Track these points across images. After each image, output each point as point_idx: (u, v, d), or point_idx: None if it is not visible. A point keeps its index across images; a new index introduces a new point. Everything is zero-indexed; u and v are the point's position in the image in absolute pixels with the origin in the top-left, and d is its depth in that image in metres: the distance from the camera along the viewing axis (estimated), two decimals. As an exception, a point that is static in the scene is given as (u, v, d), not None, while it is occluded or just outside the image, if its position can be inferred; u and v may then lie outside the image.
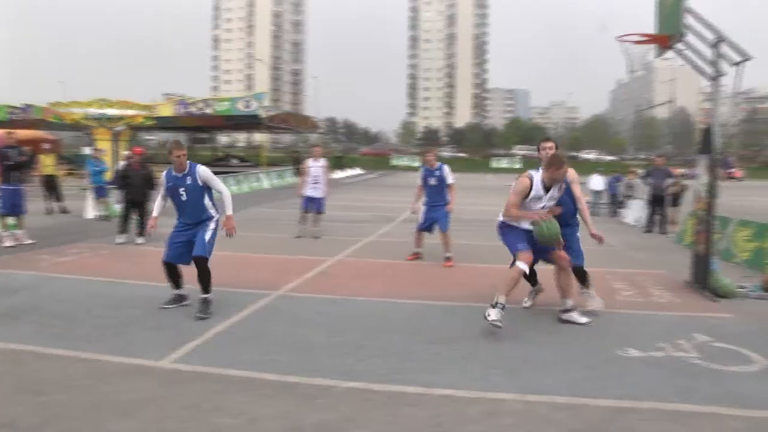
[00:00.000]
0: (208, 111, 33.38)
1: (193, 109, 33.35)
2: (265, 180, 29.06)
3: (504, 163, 61.59)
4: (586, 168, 45.12)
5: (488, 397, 4.21)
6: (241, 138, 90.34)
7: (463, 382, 4.48)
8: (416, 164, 59.92)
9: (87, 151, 22.44)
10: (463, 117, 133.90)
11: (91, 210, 15.24)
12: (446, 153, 77.18)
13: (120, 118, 21.14)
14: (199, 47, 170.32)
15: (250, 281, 7.85)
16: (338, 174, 42.44)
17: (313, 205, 12.26)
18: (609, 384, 4.51)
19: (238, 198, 22.29)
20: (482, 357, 5.07)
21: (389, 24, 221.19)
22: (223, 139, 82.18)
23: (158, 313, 6.18)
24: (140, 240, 11.07)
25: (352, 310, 6.51)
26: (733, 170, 47.92)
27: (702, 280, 7.71)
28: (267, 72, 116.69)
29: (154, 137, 72.11)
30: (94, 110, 21.85)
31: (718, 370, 4.83)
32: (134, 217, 11.48)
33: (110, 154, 18.40)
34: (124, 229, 11.22)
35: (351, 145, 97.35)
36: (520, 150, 76.29)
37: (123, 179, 11.56)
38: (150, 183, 11.57)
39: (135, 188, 11.43)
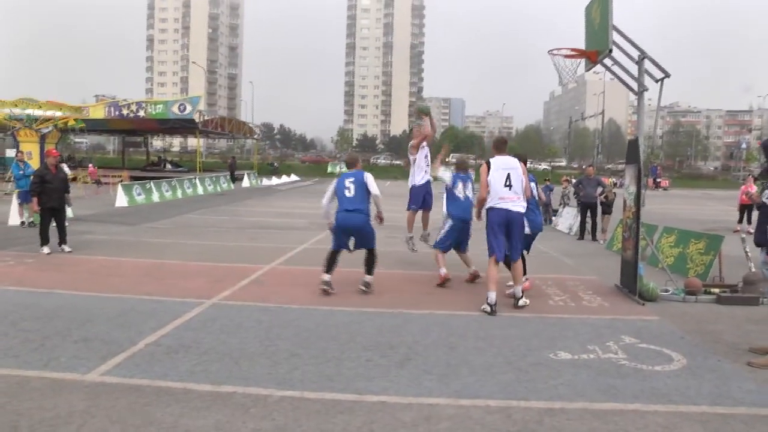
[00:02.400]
0: (142, 114, 32.59)
1: (125, 112, 32.48)
2: (199, 186, 28.49)
3: (440, 172, 62.48)
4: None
5: (422, 403, 4.25)
6: (176, 142, 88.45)
7: (397, 388, 4.51)
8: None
9: (11, 153, 21.46)
10: (399, 125, 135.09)
11: (16, 216, 14.56)
12: (382, 161, 77.70)
13: (47, 120, 20.29)
14: (132, 47, 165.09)
15: (182, 290, 7.68)
16: (274, 181, 42.07)
17: None
18: (540, 386, 4.63)
19: (171, 204, 21.80)
20: (416, 363, 5.11)
21: (327, 31, 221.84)
22: (157, 143, 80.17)
23: (86, 325, 5.95)
24: (67, 248, 10.56)
25: (287, 319, 6.45)
26: (660, 179, 50.12)
27: (630, 285, 8.04)
28: (203, 75, 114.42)
29: (84, 140, 69.71)
30: (18, 110, 20.89)
31: (643, 370, 5.05)
32: (55, 224, 10.70)
33: (36, 158, 17.63)
34: (46, 239, 10.48)
35: (287, 152, 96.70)
36: (455, 158, 77.41)
37: (40, 184, 10.65)
38: (67, 187, 10.99)
39: (53, 193, 10.67)
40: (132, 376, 4.57)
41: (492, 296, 6.96)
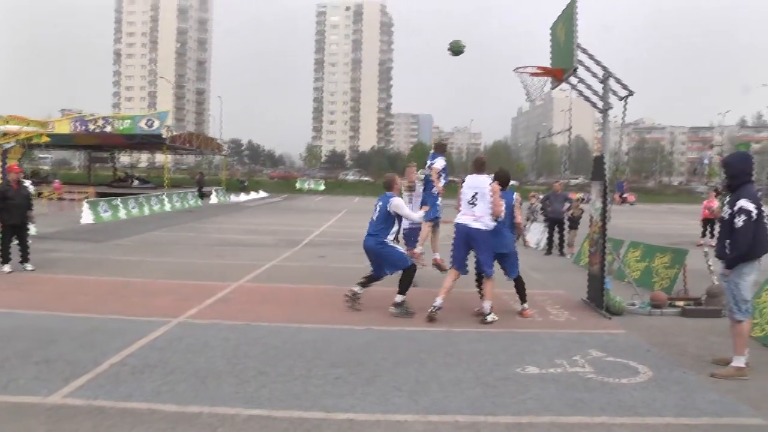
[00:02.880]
0: (108, 129, 32.12)
1: (92, 127, 31.98)
2: (167, 202, 28.14)
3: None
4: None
5: (390, 420, 4.25)
6: (143, 158, 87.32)
7: (365, 406, 4.49)
8: (321, 188, 60.06)
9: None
10: (367, 141, 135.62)
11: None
12: (351, 177, 77.73)
13: (9, 135, 19.85)
14: (99, 61, 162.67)
15: (148, 309, 7.56)
16: (242, 197, 41.78)
17: None
18: (508, 401, 4.67)
19: (138, 221, 21.49)
20: (384, 380, 5.11)
21: (296, 47, 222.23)
22: (124, 158, 79.09)
23: (48, 346, 5.81)
24: (29, 266, 10.31)
25: (254, 336, 6.39)
26: (626, 195, 51.04)
27: (597, 299, 8.15)
28: (170, 90, 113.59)
29: (49, 155, 68.38)
30: (-21, 125, 20.40)
31: (610, 383, 5.13)
32: (15, 242, 10.43)
33: (-1, 173, 17.22)
34: (7, 257, 10.20)
35: (256, 168, 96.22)
36: (423, 174, 77.67)
37: (2, 201, 10.33)
38: (29, 204, 10.74)
39: (15, 210, 10.37)
40: (96, 398, 4.48)
41: (438, 301, 7.36)
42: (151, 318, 7.00)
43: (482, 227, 7.43)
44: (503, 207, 7.62)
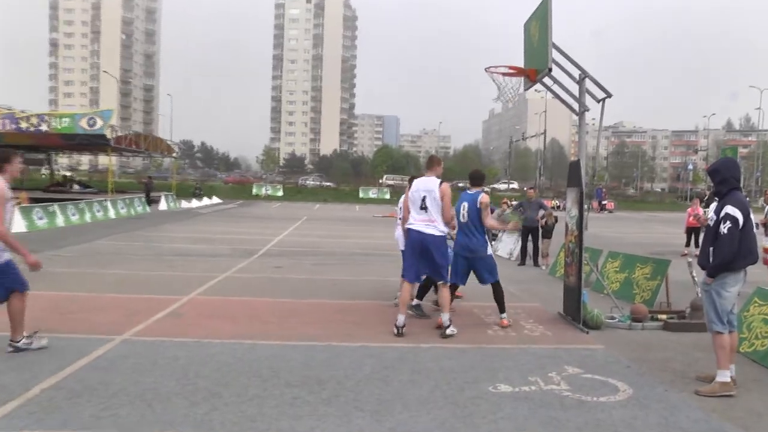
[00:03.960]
0: (44, 128, 31.34)
1: (24, 125, 31.17)
2: (111, 209, 27.64)
3: (372, 194, 62.51)
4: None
5: (353, 444, 4.23)
6: (84, 160, 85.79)
7: (325, 427, 4.46)
8: (279, 194, 59.72)
9: None
10: (329, 144, 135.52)
11: None
12: (311, 182, 77.42)
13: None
14: (33, 50, 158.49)
15: (89, 325, 7.39)
16: (194, 203, 41.31)
17: None
18: (479, 421, 4.68)
19: (78, 229, 21.05)
20: (346, 399, 5.08)
21: (253, 41, 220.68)
22: (62, 160, 77.49)
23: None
24: None
25: (206, 354, 6.30)
26: (605, 202, 51.93)
27: (573, 312, 8.25)
28: (115, 86, 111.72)
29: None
30: None
31: (588, 401, 5.18)
32: None
33: None
34: None
35: (209, 171, 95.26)
36: (389, 180, 77.90)
37: None
38: None
39: None
40: (24, 428, 4.32)
41: (400, 320, 7.37)
42: (92, 336, 6.85)
43: (436, 233, 7.42)
44: (454, 212, 7.77)
